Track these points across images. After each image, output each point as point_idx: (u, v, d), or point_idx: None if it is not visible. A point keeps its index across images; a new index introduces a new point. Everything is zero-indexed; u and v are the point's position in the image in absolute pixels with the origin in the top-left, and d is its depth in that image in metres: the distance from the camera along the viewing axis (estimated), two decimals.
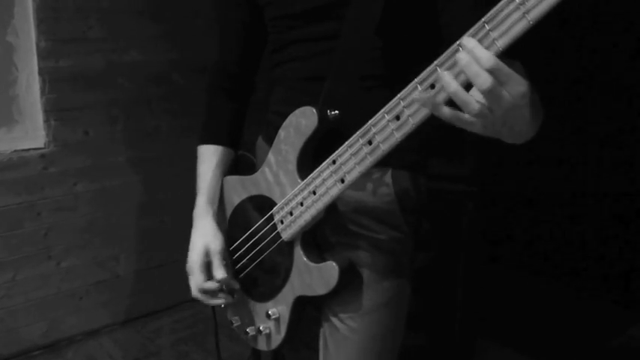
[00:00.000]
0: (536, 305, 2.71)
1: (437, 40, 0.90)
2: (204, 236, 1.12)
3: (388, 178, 1.01)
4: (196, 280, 1.11)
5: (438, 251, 2.14)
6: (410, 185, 1.03)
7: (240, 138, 1.23)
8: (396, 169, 1.01)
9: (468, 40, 0.68)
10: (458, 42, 0.70)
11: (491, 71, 0.67)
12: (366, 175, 0.90)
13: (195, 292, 1.12)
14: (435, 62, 0.73)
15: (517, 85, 0.68)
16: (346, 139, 0.88)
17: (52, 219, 2.48)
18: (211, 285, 1.10)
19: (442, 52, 0.73)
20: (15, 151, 2.38)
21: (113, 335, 2.66)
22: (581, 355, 2.37)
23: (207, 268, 1.11)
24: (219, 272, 1.08)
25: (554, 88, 2.73)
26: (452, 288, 2.26)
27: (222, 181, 1.18)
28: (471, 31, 0.69)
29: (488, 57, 0.66)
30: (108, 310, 2.71)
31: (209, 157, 1.17)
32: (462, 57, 0.69)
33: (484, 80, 0.67)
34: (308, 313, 1.10)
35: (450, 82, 0.70)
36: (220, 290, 1.12)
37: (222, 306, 1.21)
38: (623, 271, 2.67)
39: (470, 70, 0.68)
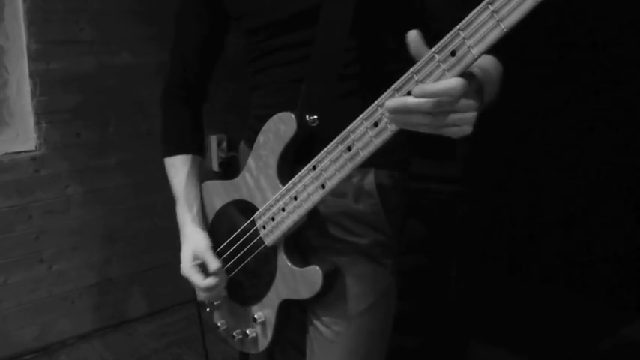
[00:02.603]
0: (528, 306, 2.71)
1: None
2: (189, 241, 1.14)
3: (370, 179, 1.01)
4: (196, 282, 1.10)
5: (430, 252, 2.14)
6: (392, 185, 1.03)
7: (203, 141, 1.24)
8: (378, 169, 1.01)
9: (418, 88, 0.71)
10: (433, 49, 0.70)
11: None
12: (347, 178, 0.89)
13: (200, 295, 1.14)
14: (412, 69, 0.73)
15: (467, 101, 0.72)
16: (326, 143, 0.87)
17: (43, 222, 2.48)
18: (211, 281, 1.09)
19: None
20: (6, 154, 2.37)
21: (105, 338, 2.66)
22: (574, 355, 2.37)
23: (203, 269, 1.11)
24: (213, 264, 1.09)
25: (551, 90, 2.73)
26: (444, 289, 2.26)
27: (202, 185, 1.19)
28: (446, 38, 0.69)
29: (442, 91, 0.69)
30: (100, 313, 2.70)
31: (180, 168, 1.18)
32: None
33: (432, 106, 0.70)
34: (296, 316, 1.10)
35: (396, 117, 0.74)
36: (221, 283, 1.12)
37: (208, 309, 1.21)
38: (616, 272, 2.68)
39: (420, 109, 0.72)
